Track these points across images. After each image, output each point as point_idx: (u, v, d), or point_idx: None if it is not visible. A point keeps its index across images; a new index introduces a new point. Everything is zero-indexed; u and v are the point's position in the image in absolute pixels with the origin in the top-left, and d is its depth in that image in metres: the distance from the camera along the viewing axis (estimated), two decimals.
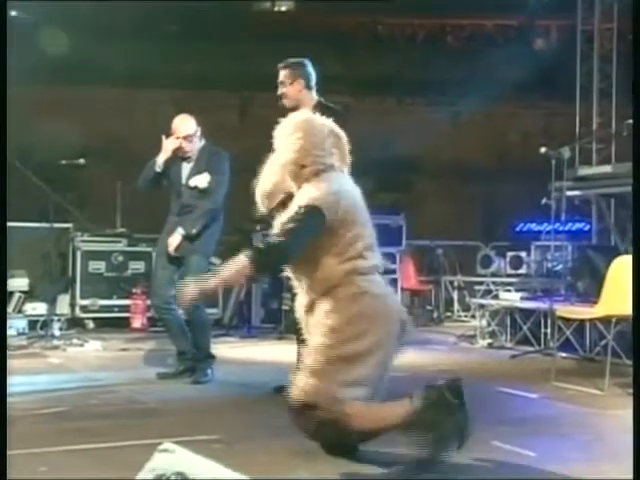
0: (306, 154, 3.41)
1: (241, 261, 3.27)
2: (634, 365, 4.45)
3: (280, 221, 3.39)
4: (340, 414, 3.17)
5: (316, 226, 3.31)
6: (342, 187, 3.43)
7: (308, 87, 4.94)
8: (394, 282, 9.38)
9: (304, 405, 3.21)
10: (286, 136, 3.47)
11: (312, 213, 3.30)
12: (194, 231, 5.36)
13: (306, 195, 3.36)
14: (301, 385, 3.22)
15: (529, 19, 12.77)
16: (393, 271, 9.47)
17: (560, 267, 7.97)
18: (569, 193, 7.25)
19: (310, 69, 4.99)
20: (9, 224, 8.13)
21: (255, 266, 3.27)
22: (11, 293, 7.98)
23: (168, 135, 5.50)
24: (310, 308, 3.41)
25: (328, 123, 3.55)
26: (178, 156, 5.51)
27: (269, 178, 3.54)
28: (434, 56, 12.38)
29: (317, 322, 3.34)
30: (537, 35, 13.03)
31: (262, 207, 3.59)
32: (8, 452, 3.39)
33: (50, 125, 9.83)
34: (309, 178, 3.42)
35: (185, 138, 5.45)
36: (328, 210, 3.30)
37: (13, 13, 10.33)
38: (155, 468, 2.43)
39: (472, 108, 11.79)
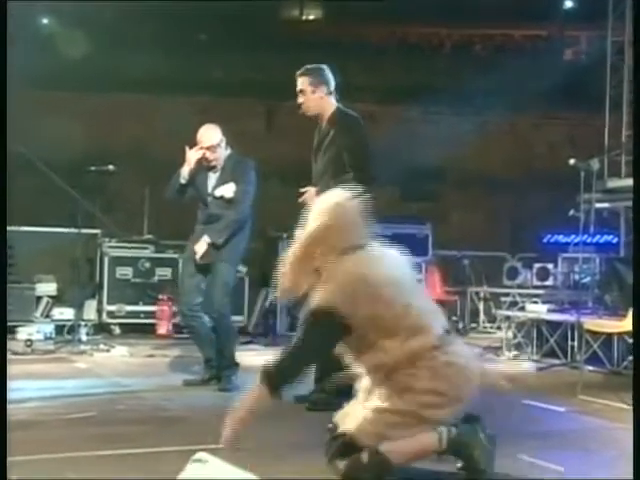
0: (326, 237, 3.27)
1: (255, 389, 3.16)
2: (634, 368, 4.42)
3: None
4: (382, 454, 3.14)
5: (331, 329, 3.16)
6: (365, 270, 3.22)
7: (329, 93, 4.93)
8: None
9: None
10: (314, 217, 3.33)
11: (323, 318, 3.14)
12: (220, 241, 5.38)
13: (318, 296, 3.18)
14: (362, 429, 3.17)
15: (558, 29, 12.71)
16: (419, 281, 9.45)
17: (588, 279, 7.90)
18: (598, 205, 7.21)
19: (329, 74, 4.95)
20: (38, 229, 8.39)
21: (270, 387, 3.13)
22: (39, 298, 8.06)
23: (193, 145, 5.53)
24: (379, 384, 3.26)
25: (356, 202, 3.38)
26: (203, 166, 5.53)
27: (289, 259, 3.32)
28: (461, 66, 12.37)
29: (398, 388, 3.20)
30: (566, 45, 12.97)
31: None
32: (35, 456, 3.45)
33: (79, 131, 9.93)
34: (328, 262, 3.25)
35: (209, 148, 5.46)
36: (345, 307, 3.13)
37: (44, 21, 10.48)
38: (189, 477, 2.44)
39: (499, 118, 11.75)
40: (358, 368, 3.34)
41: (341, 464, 3.16)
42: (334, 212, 3.32)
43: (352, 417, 3.25)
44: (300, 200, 4.84)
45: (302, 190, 4.89)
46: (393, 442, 3.14)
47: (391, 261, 3.37)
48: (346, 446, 3.16)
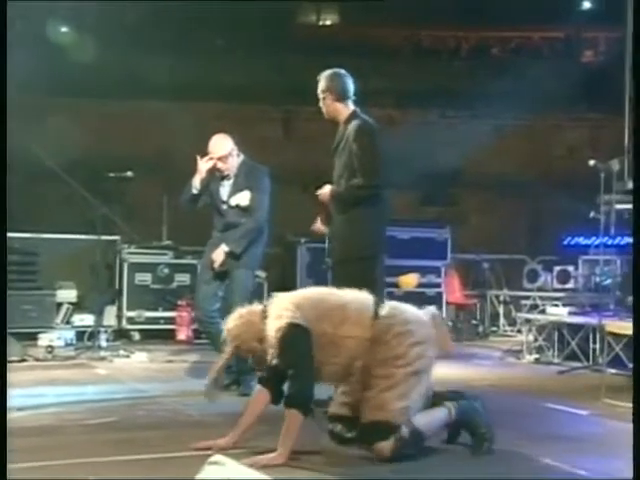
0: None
1: (291, 416, 3.49)
2: (634, 368, 4.36)
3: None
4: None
5: (304, 337, 3.59)
6: (285, 297, 3.75)
7: (342, 98, 4.92)
8: (439, 296, 9.35)
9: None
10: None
11: (295, 331, 3.57)
12: (239, 250, 5.39)
13: (276, 326, 3.62)
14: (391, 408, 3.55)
15: (576, 31, 12.64)
16: (438, 285, 9.43)
17: (609, 281, 7.84)
18: (618, 206, 7.14)
19: (345, 79, 4.95)
20: (58, 236, 8.44)
21: (303, 407, 3.51)
22: (59, 304, 8.11)
23: (205, 154, 5.53)
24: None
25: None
26: (216, 175, 5.54)
27: None
28: (478, 68, 12.32)
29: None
30: (584, 47, 12.89)
31: None
32: (56, 462, 3.46)
33: (97, 138, 9.98)
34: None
35: (220, 159, 5.47)
36: (300, 319, 3.59)
37: (64, 29, 10.54)
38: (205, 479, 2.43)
39: (517, 120, 11.69)
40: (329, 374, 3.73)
41: (385, 446, 3.50)
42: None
43: (366, 405, 3.59)
44: (317, 193, 4.86)
45: (319, 191, 4.91)
46: (420, 417, 3.60)
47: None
48: (381, 429, 3.52)
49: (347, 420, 3.76)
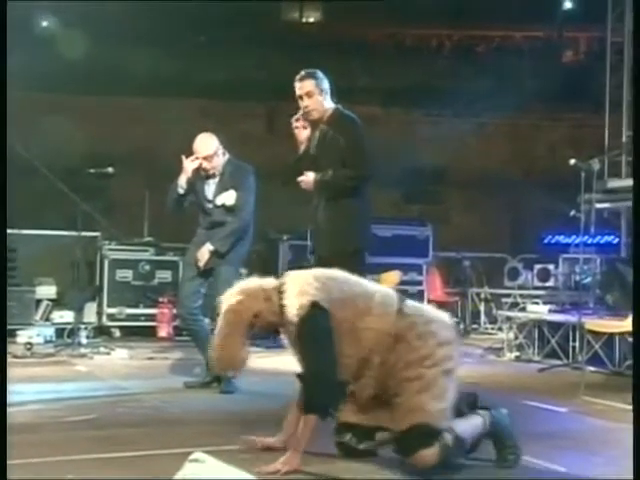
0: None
1: (307, 421, 3.33)
2: (634, 368, 4.41)
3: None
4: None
5: (327, 322, 3.35)
6: (310, 273, 3.53)
7: (327, 95, 4.89)
8: (420, 293, 9.38)
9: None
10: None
11: (318, 313, 3.33)
12: (224, 249, 5.38)
13: (296, 307, 3.36)
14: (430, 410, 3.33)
15: (558, 31, 12.72)
16: (419, 282, 9.46)
17: (589, 280, 7.90)
18: (598, 205, 7.21)
19: (324, 77, 4.91)
20: (38, 232, 8.39)
21: (322, 413, 3.35)
22: (39, 301, 8.05)
23: (190, 153, 5.50)
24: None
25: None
26: (201, 174, 5.52)
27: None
28: (461, 67, 12.36)
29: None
30: (565, 47, 12.97)
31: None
32: (35, 459, 3.44)
33: (79, 134, 9.92)
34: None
35: (205, 158, 5.45)
36: (322, 298, 3.35)
37: (45, 24, 10.47)
38: (186, 477, 2.43)
39: (499, 119, 11.75)
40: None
41: (429, 453, 3.28)
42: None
43: (400, 411, 3.36)
44: (299, 180, 4.82)
45: (302, 178, 4.86)
46: (460, 424, 3.39)
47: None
48: (422, 434, 3.29)
49: (358, 429, 3.55)
